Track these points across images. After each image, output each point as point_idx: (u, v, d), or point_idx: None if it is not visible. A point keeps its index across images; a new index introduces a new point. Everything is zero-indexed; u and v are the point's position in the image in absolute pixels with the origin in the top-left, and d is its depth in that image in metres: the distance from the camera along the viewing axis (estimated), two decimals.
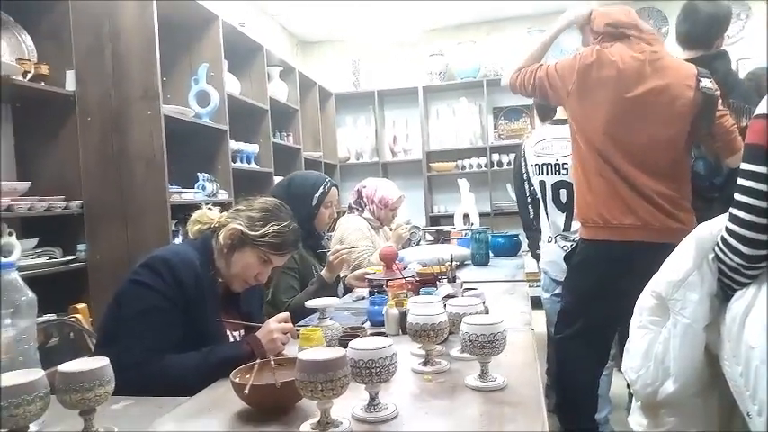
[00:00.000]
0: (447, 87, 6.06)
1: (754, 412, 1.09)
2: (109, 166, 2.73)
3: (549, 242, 2.73)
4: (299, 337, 1.47)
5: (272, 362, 1.29)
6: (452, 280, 1.91)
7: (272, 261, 1.64)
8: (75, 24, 2.70)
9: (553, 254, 2.68)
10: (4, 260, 1.15)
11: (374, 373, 1.07)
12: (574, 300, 2.24)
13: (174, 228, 2.84)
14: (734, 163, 2.02)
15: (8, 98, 2.60)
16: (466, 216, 4.24)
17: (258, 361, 1.30)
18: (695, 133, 2.08)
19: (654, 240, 1.97)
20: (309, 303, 1.68)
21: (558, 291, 2.68)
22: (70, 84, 2.70)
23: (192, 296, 1.49)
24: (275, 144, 4.33)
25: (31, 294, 1.18)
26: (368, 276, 2.19)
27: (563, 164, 2.67)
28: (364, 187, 3.15)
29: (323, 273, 2.34)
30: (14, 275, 1.17)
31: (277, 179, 4.26)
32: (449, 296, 1.69)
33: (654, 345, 1.31)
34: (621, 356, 1.50)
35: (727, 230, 1.19)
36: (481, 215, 4.40)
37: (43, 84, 2.56)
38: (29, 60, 2.56)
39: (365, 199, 3.13)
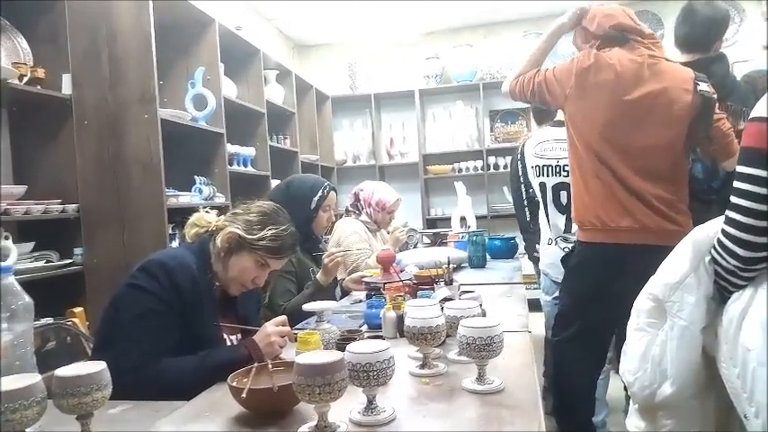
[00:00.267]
0: (443, 90, 6.07)
1: (751, 414, 1.09)
2: (106, 170, 2.72)
3: (549, 244, 2.72)
4: (296, 341, 1.47)
5: (270, 365, 1.29)
6: (449, 283, 1.91)
7: (270, 265, 1.63)
8: (71, 28, 2.70)
9: (554, 256, 2.67)
10: (2, 264, 1.15)
11: (372, 376, 1.07)
12: (571, 302, 2.24)
13: (170, 231, 2.83)
14: (730, 166, 2.02)
15: (4, 102, 2.59)
16: (463, 219, 4.24)
17: (255, 365, 1.30)
18: (693, 136, 2.08)
19: (650, 243, 1.97)
20: (307, 307, 1.68)
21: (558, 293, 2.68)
22: (66, 87, 2.70)
23: (188, 300, 1.49)
24: (272, 147, 4.33)
25: (27, 299, 1.17)
26: (365, 279, 2.19)
27: (564, 165, 2.66)
28: (361, 190, 3.15)
29: (318, 276, 2.34)
30: (11, 279, 1.17)
31: (274, 182, 4.25)
32: (446, 299, 1.69)
33: (651, 347, 1.31)
34: (618, 359, 1.50)
35: (724, 233, 1.19)
36: (478, 218, 4.42)
37: (39, 87, 2.55)
38: (25, 64, 2.55)
39: (362, 202, 3.13)
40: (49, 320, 1.90)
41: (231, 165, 3.66)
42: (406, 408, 1.17)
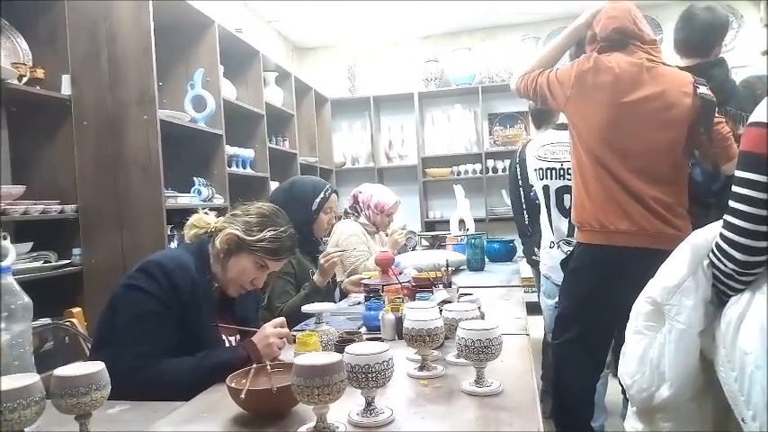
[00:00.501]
0: (442, 93, 6.08)
1: (748, 417, 1.09)
2: (104, 171, 2.72)
3: (551, 248, 2.71)
4: (295, 342, 1.47)
5: (269, 367, 1.29)
6: (448, 285, 1.91)
7: (269, 266, 1.64)
8: (71, 28, 2.70)
9: (555, 259, 2.65)
10: (0, 264, 1.15)
11: (370, 377, 1.07)
12: (570, 305, 2.24)
13: (169, 232, 2.83)
14: (730, 170, 2.03)
15: (4, 102, 2.59)
16: (461, 221, 4.25)
17: (254, 366, 1.30)
18: (693, 139, 2.09)
19: (648, 246, 1.98)
20: (306, 308, 1.68)
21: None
22: (66, 88, 2.70)
23: (187, 301, 1.49)
24: (271, 149, 4.33)
25: (26, 299, 1.18)
26: (364, 281, 2.19)
27: (567, 168, 2.64)
28: (360, 192, 3.16)
29: (315, 277, 2.34)
30: (10, 279, 1.17)
31: (273, 184, 4.26)
32: (445, 301, 1.70)
33: (649, 350, 1.31)
34: (617, 363, 1.51)
35: (722, 237, 1.20)
36: (476, 221, 4.43)
37: (39, 88, 2.55)
38: (24, 64, 2.55)
39: (361, 204, 3.13)
40: (47, 321, 1.90)
41: (230, 166, 3.66)
42: (404, 409, 1.17)
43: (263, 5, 5.21)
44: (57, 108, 2.68)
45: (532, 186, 2.91)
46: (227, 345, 1.61)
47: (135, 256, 2.55)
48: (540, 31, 5.74)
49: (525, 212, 3.23)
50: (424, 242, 4.42)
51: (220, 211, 2.35)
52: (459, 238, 3.69)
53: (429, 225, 5.99)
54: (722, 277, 1.21)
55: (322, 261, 2.32)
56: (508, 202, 4.02)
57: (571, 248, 2.59)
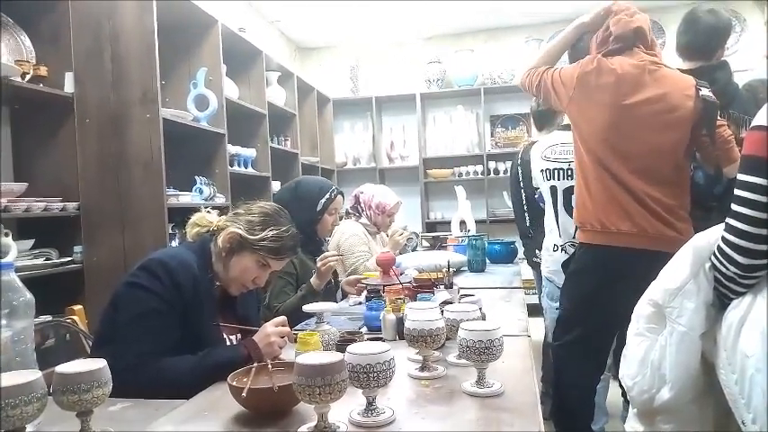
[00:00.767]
0: (444, 95, 6.08)
1: (748, 420, 1.09)
2: (107, 169, 2.73)
3: (554, 251, 2.69)
4: (295, 342, 1.47)
5: (270, 365, 1.29)
6: (449, 286, 1.91)
7: (271, 265, 1.64)
8: (74, 26, 2.71)
9: (558, 262, 2.63)
10: (3, 261, 1.15)
11: (372, 377, 1.07)
12: (571, 306, 2.24)
13: (170, 231, 2.84)
14: (732, 172, 2.04)
15: (7, 99, 2.60)
16: (462, 223, 4.25)
17: (255, 364, 1.30)
18: (695, 142, 2.09)
19: (648, 248, 1.98)
20: (307, 308, 1.68)
21: None
22: (69, 86, 2.70)
23: (189, 299, 1.49)
24: (273, 149, 4.34)
25: (28, 295, 1.18)
26: (364, 282, 2.19)
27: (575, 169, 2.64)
28: (362, 193, 3.16)
29: (312, 279, 2.33)
30: (12, 276, 1.17)
31: (274, 183, 4.27)
32: (446, 302, 1.70)
33: (650, 352, 1.31)
34: (617, 366, 1.51)
35: (724, 240, 1.20)
36: (477, 222, 4.43)
37: (42, 85, 2.56)
38: (28, 62, 2.56)
39: (362, 204, 3.13)
40: (49, 318, 1.90)
41: (232, 165, 3.66)
42: (405, 410, 1.17)
43: (266, 5, 5.22)
44: (60, 106, 2.68)
45: (537, 189, 2.89)
46: (229, 343, 1.61)
47: (136, 254, 2.55)
48: (544, 33, 5.73)
49: (527, 214, 3.22)
50: (425, 243, 4.42)
51: (222, 211, 2.36)
52: (460, 239, 3.69)
53: (430, 226, 5.99)
54: (724, 280, 1.21)
55: (319, 264, 2.32)
56: (509, 203, 4.02)
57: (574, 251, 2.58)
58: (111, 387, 1.07)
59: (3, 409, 0.95)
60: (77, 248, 2.69)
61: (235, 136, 3.72)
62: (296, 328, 1.81)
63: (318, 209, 2.52)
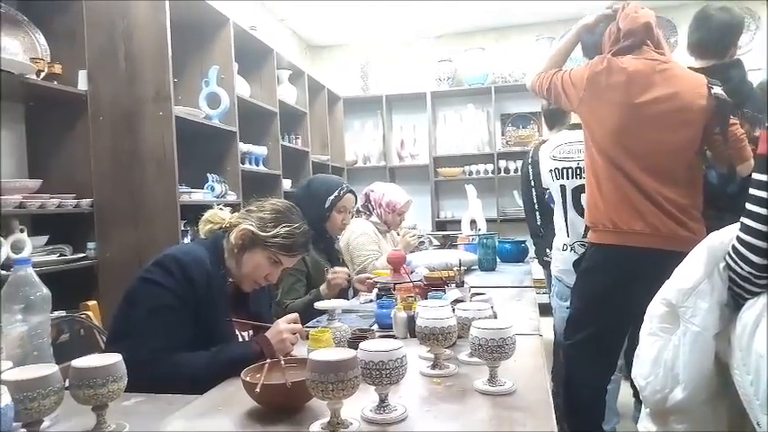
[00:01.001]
0: (455, 93, 6.07)
1: (764, 421, 1.09)
2: (120, 166, 2.75)
3: (564, 250, 2.68)
4: (307, 338, 1.48)
5: (282, 362, 1.30)
6: (461, 285, 1.91)
7: (282, 262, 1.64)
8: (88, 24, 2.73)
9: (568, 262, 2.62)
10: (19, 256, 1.17)
11: (384, 374, 1.08)
12: (582, 305, 2.23)
13: (183, 228, 2.85)
14: (745, 171, 2.03)
15: (21, 97, 2.62)
16: (473, 221, 4.25)
17: (268, 361, 1.31)
18: (707, 140, 2.08)
19: (661, 247, 1.97)
20: (318, 305, 1.69)
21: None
22: (83, 83, 2.72)
23: (202, 295, 1.50)
24: (284, 147, 4.35)
25: (45, 290, 1.19)
26: (376, 279, 2.19)
27: (584, 168, 2.63)
28: (372, 191, 3.16)
29: (321, 288, 2.33)
30: (29, 271, 1.18)
31: (285, 181, 4.29)
32: (457, 301, 1.70)
33: (663, 352, 1.31)
34: (628, 366, 1.50)
35: (739, 240, 1.19)
36: (488, 221, 4.41)
37: (56, 83, 2.58)
38: (42, 59, 2.58)
39: (373, 203, 3.14)
40: (63, 313, 1.91)
41: (243, 163, 3.68)
42: (417, 407, 1.17)
43: (277, 4, 5.23)
44: (73, 103, 2.70)
45: (547, 189, 2.88)
46: (241, 339, 1.62)
47: (149, 250, 2.57)
48: (554, 32, 5.71)
49: (537, 213, 3.22)
50: (435, 242, 4.42)
51: (234, 208, 2.37)
52: (470, 237, 3.69)
53: (440, 225, 5.99)
54: (738, 280, 1.21)
55: (330, 277, 2.32)
56: (520, 202, 4.01)
57: (585, 250, 2.56)
58: (126, 382, 1.09)
59: (21, 402, 0.96)
60: (91, 245, 2.71)
61: (246, 134, 3.73)
62: (308, 324, 1.81)
63: (327, 206, 2.52)
